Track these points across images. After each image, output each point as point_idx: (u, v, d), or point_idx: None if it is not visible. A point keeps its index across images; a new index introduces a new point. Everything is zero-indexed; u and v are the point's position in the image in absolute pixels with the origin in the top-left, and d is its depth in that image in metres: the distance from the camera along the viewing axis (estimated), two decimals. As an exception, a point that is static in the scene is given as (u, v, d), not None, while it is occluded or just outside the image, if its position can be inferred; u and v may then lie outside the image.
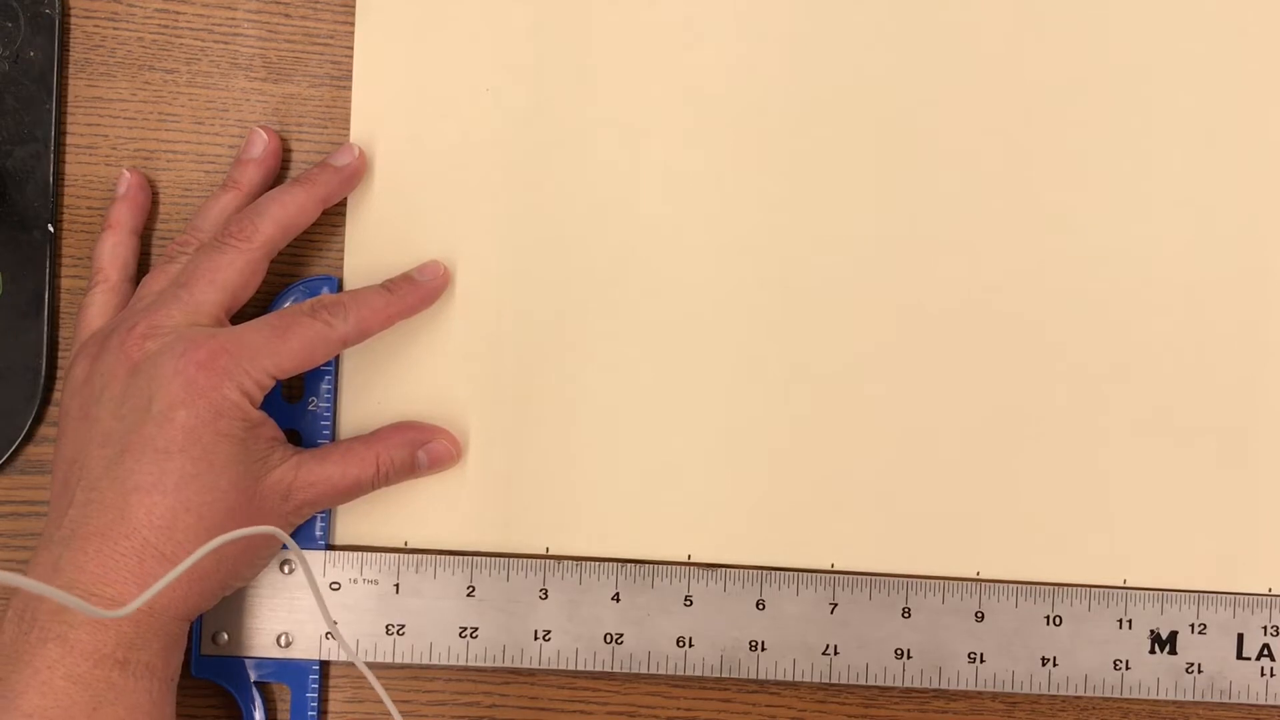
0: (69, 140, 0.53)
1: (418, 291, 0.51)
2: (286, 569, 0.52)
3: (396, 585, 0.52)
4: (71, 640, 0.43)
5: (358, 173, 0.52)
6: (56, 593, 0.36)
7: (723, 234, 0.53)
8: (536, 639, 0.52)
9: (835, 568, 0.53)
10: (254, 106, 0.54)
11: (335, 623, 0.51)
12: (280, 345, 0.47)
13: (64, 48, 0.53)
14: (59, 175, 0.53)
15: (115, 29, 0.53)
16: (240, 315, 0.49)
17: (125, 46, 0.53)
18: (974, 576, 0.53)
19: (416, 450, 0.51)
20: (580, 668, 0.52)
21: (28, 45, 0.52)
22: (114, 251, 0.51)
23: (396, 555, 0.52)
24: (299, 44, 0.54)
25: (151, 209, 0.53)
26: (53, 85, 0.53)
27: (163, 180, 0.53)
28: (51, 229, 0.53)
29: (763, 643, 0.52)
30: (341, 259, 0.53)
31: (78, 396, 0.47)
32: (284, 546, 0.51)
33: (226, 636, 0.51)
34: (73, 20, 0.53)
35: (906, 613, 0.53)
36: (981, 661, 0.53)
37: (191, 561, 0.40)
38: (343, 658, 0.52)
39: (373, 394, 0.53)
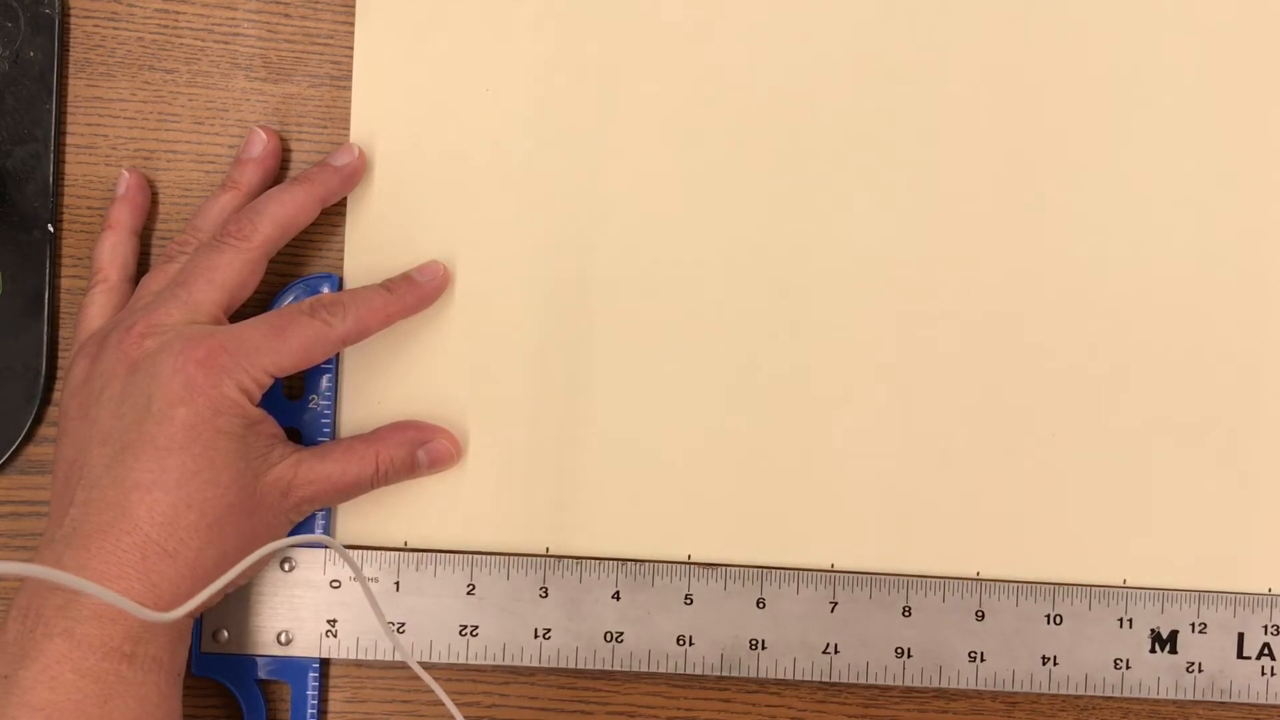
0: (69, 140, 0.53)
1: (417, 291, 0.51)
2: (287, 566, 0.52)
3: (397, 583, 0.52)
4: (79, 635, 0.43)
5: (357, 172, 0.52)
6: (107, 593, 0.36)
7: (723, 234, 0.53)
8: (536, 637, 0.52)
9: (835, 567, 0.53)
10: (254, 106, 0.54)
11: (391, 624, 0.51)
12: (279, 344, 0.47)
13: (64, 48, 0.53)
14: (59, 175, 0.53)
15: (115, 29, 0.53)
16: (240, 314, 0.49)
17: (125, 46, 0.53)
18: (974, 576, 0.53)
19: (417, 450, 0.51)
20: (580, 666, 0.52)
21: (28, 45, 0.52)
22: (114, 251, 0.51)
23: (397, 553, 0.52)
24: (299, 44, 0.54)
25: (151, 209, 0.53)
26: (53, 85, 0.53)
27: (163, 180, 0.54)
28: (51, 229, 0.53)
29: (763, 641, 0.52)
30: (341, 258, 0.53)
31: (77, 396, 0.47)
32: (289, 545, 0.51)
33: (227, 634, 0.51)
34: (73, 20, 0.53)
35: (907, 612, 0.53)
36: (982, 661, 0.53)
37: (245, 565, 0.41)
38: (342, 656, 0.52)
39: (373, 393, 0.53)
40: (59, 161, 0.53)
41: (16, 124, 0.52)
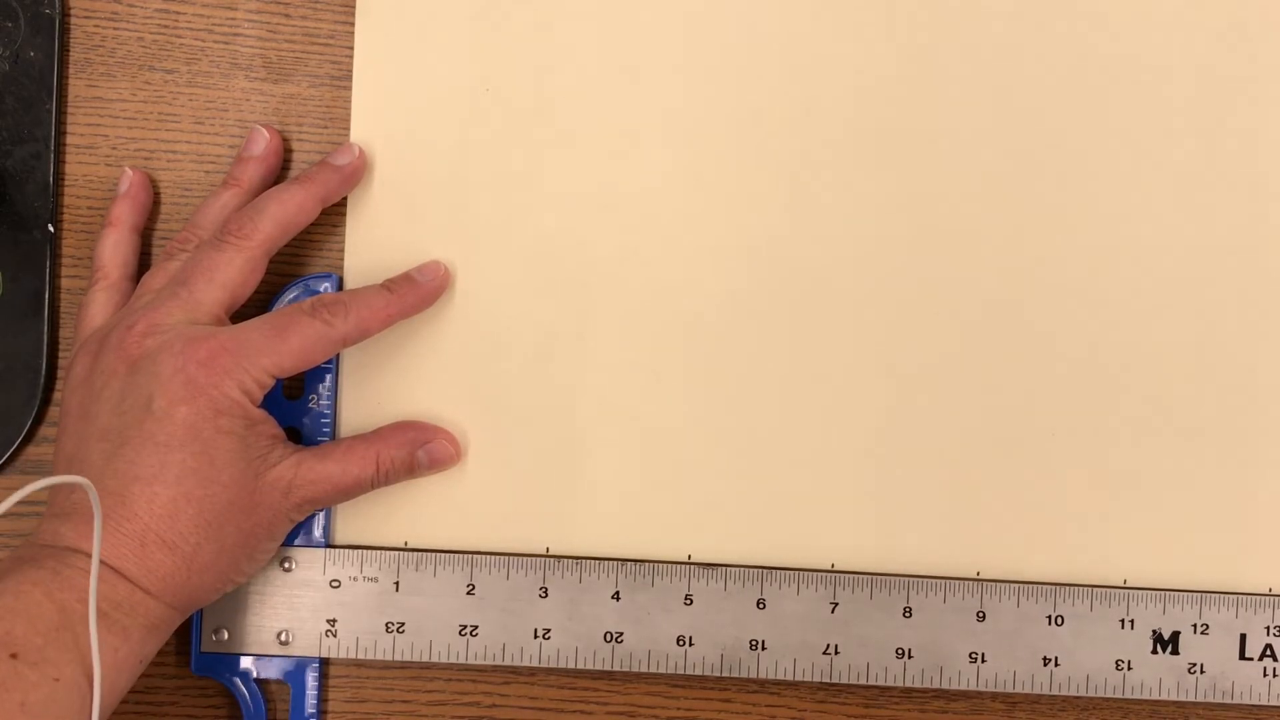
0: (69, 140, 0.53)
1: (418, 291, 0.51)
2: (287, 566, 0.51)
3: (396, 583, 0.52)
4: (65, 575, 0.43)
5: (357, 171, 0.52)
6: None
7: (723, 233, 0.53)
8: (536, 637, 0.52)
9: (835, 568, 0.53)
10: (254, 106, 0.54)
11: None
12: (280, 344, 0.47)
13: (64, 48, 0.53)
14: (59, 175, 0.53)
15: (115, 29, 0.53)
16: (240, 313, 0.49)
17: (125, 46, 0.53)
18: (974, 576, 0.53)
19: (417, 450, 0.51)
20: (580, 666, 0.52)
21: (28, 45, 0.52)
22: (115, 249, 0.52)
23: (397, 553, 0.52)
24: (299, 44, 0.54)
25: (152, 209, 0.53)
26: (53, 85, 0.53)
27: (163, 180, 0.54)
28: (51, 229, 0.53)
29: (763, 642, 0.52)
30: (341, 258, 0.53)
31: (78, 394, 0.47)
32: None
33: (227, 634, 0.51)
34: (73, 20, 0.53)
35: (907, 612, 0.53)
36: (982, 661, 0.52)
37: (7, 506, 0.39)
38: (342, 656, 0.52)
39: (373, 393, 0.53)
40: (59, 161, 0.53)
41: (16, 124, 0.52)
